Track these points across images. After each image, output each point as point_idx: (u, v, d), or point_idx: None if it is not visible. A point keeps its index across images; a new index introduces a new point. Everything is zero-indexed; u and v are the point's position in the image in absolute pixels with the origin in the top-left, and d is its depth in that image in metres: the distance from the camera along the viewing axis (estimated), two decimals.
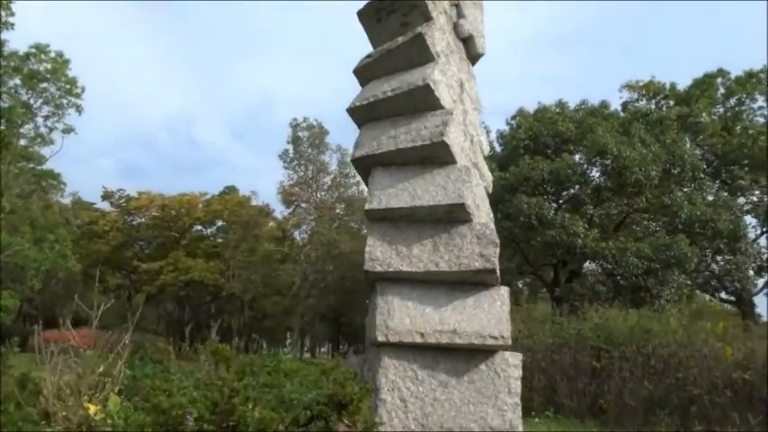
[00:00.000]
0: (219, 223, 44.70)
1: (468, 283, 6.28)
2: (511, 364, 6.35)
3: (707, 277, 19.54)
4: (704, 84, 23.88)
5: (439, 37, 6.92)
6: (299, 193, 37.00)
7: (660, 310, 14.67)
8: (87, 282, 34.20)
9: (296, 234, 34.78)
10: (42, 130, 29.31)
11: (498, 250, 6.18)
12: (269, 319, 48.65)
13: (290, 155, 38.78)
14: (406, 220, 6.38)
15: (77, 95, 29.22)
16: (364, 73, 7.27)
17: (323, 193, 37.31)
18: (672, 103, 25.54)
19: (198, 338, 39.39)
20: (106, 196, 46.46)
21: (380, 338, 6.02)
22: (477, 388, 6.22)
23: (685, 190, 17.96)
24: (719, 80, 25.67)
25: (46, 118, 29.27)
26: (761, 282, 19.85)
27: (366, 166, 6.72)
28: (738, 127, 22.89)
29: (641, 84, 24.86)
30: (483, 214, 6.73)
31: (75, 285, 33.54)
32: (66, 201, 43.20)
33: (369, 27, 7.64)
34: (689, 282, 16.37)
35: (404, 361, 6.14)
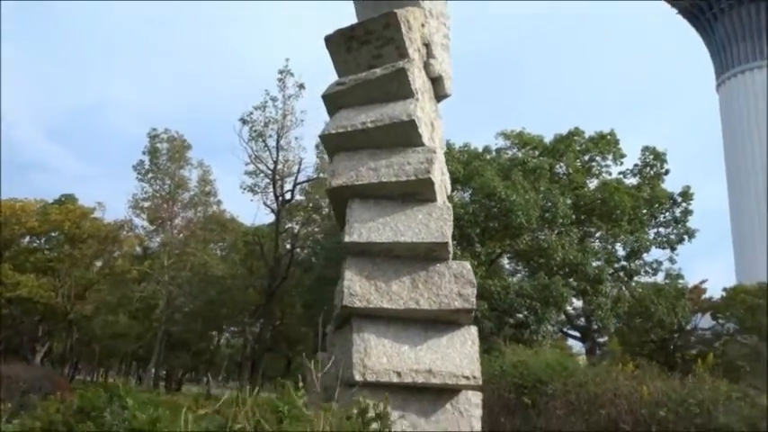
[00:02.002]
0: (52, 235, 40.36)
1: (440, 321, 6.27)
2: (473, 404, 6.41)
3: (572, 316, 21.48)
4: (567, 139, 26.54)
5: (417, 74, 6.97)
6: (159, 209, 34.60)
7: (538, 346, 15.74)
8: None
9: (157, 253, 32.33)
10: None
11: (475, 291, 6.24)
12: (97, 342, 44.74)
13: (146, 167, 36.33)
14: (384, 256, 6.25)
15: None
16: (335, 100, 7.08)
17: (188, 212, 35.23)
18: (537, 153, 27.93)
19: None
20: None
21: (358, 378, 5.78)
22: (443, 429, 6.18)
23: (556, 235, 19.69)
24: (575, 138, 28.67)
25: None
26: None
27: (342, 196, 6.50)
28: (595, 181, 25.82)
29: (515, 133, 27.01)
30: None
31: None
32: None
33: (336, 54, 7.48)
34: (564, 319, 17.94)
35: (378, 402, 5.92)
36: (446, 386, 6.10)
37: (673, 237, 27.03)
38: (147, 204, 35.00)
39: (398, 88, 6.80)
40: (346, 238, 6.12)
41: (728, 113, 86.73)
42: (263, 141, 27.29)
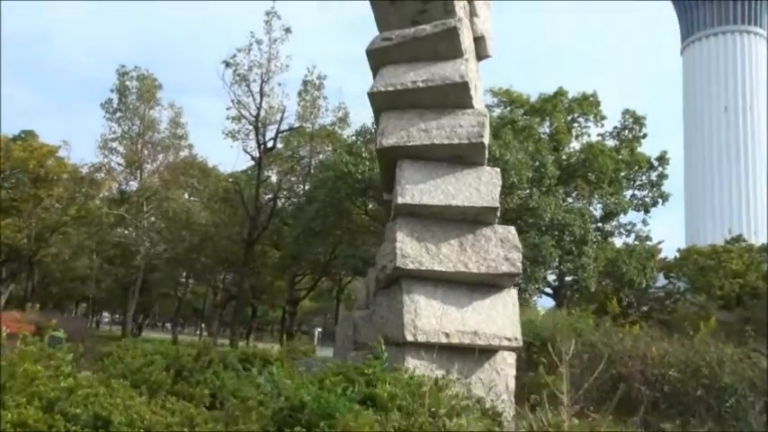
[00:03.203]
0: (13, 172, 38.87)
1: (484, 284, 6.36)
2: (508, 363, 6.59)
3: (558, 274, 22.15)
4: (554, 99, 26.63)
5: (466, 34, 6.83)
6: (133, 151, 33.35)
7: (525, 304, 16.18)
8: None
9: (134, 196, 31.37)
10: None
11: (521, 255, 6.33)
12: (56, 285, 44.05)
13: (115, 105, 34.85)
14: (433, 218, 6.25)
15: None
16: (380, 55, 6.90)
17: (161, 155, 34.02)
18: (521, 112, 27.97)
19: None
20: None
21: (409, 338, 5.86)
22: (483, 386, 6.35)
23: (543, 195, 19.99)
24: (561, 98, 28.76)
25: None
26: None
27: (391, 156, 6.44)
28: (575, 142, 26.16)
29: (503, 90, 26.94)
30: None
31: None
32: None
33: (378, 6, 7.27)
34: (552, 277, 18.48)
35: (425, 361, 6.02)
36: (490, 347, 6.25)
37: (648, 200, 27.78)
38: (115, 145, 33.81)
39: (448, 47, 6.66)
40: (399, 200, 6.09)
41: (690, 78, 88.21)
42: (247, 86, 26.55)
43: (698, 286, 32.09)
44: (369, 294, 7.39)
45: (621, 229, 28.04)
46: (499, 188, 6.32)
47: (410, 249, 6.03)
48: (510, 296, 6.46)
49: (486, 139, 6.36)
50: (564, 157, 24.35)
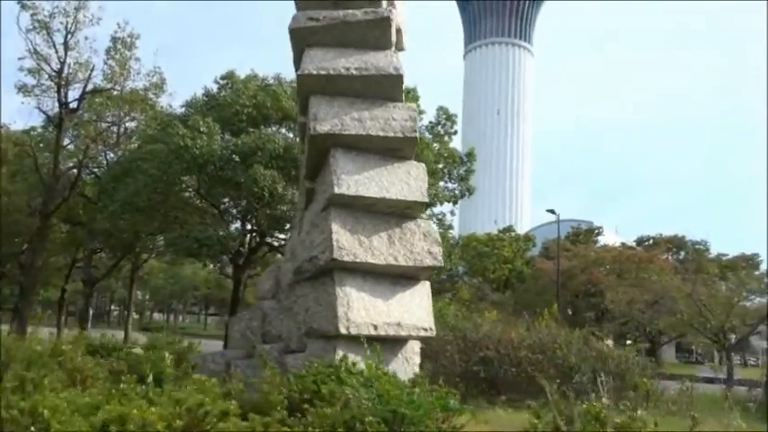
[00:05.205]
0: None
1: (405, 276, 6.50)
2: (415, 352, 6.85)
3: None
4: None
5: (393, 25, 6.83)
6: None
7: None
8: None
9: None
10: None
11: (441, 249, 6.58)
12: None
13: None
14: (364, 211, 6.20)
15: None
16: (305, 35, 6.63)
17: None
18: None
19: None
20: None
21: (343, 330, 5.77)
22: (397, 375, 6.52)
23: None
24: None
25: None
26: None
27: (324, 143, 6.20)
28: None
29: None
30: None
31: None
32: None
33: None
34: None
35: (352, 353, 5.99)
36: (410, 337, 6.42)
37: (457, 192, 30.34)
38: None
39: (378, 37, 6.64)
40: (335, 190, 5.91)
41: (470, 81, 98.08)
42: (49, 35, 22.88)
43: (475, 270, 36.12)
44: (277, 285, 7.06)
45: (434, 219, 30.31)
46: (426, 183, 6.48)
47: (345, 241, 5.91)
48: (425, 288, 6.68)
49: (417, 134, 6.46)
50: None
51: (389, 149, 6.35)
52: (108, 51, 26.37)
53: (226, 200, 21.09)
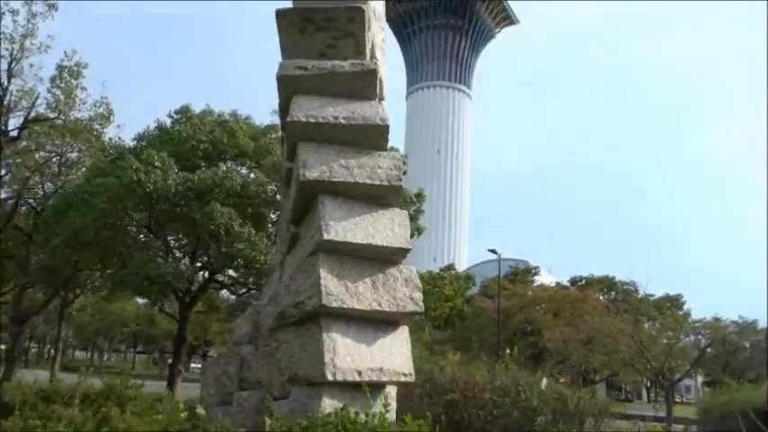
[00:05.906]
0: None
1: (386, 321, 6.59)
2: (392, 397, 6.92)
3: None
4: None
5: (378, 77, 7.08)
6: None
7: None
8: None
9: None
10: None
11: (422, 295, 6.72)
12: None
13: None
14: (350, 257, 6.29)
15: None
16: (292, 83, 6.78)
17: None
18: None
19: None
20: None
21: (330, 377, 5.77)
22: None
23: None
24: None
25: None
26: None
27: (312, 190, 6.30)
28: None
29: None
30: None
31: None
32: None
33: (287, 32, 7.14)
34: None
35: (335, 400, 6.00)
36: (390, 383, 6.48)
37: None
38: None
39: (365, 87, 6.87)
40: (324, 236, 5.99)
41: (411, 121, 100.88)
42: None
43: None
44: (256, 329, 7.00)
45: None
46: (409, 230, 6.66)
47: (333, 287, 5.97)
48: (404, 333, 6.78)
49: (402, 183, 6.66)
50: None
51: (375, 197, 6.50)
52: (53, 80, 25.66)
53: (174, 236, 20.62)
